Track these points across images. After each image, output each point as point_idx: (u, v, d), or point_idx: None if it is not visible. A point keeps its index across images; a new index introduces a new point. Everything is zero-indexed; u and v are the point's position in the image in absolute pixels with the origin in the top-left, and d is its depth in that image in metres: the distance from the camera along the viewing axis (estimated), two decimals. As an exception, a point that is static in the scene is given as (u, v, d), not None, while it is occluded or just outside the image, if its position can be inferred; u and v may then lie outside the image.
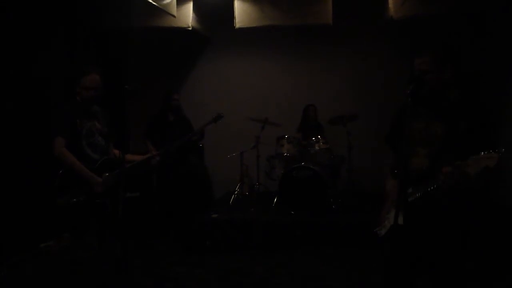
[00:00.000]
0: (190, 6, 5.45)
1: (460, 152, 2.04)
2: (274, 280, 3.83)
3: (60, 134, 3.16)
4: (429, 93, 2.22)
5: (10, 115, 4.32)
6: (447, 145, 2.15)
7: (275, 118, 5.78)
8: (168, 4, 4.99)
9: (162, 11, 5.04)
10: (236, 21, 5.40)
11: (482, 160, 1.91)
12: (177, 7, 5.20)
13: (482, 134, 2.15)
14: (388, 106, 3.77)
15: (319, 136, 5.50)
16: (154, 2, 4.68)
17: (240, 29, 5.44)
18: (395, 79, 4.41)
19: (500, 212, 4.62)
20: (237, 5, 5.38)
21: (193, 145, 5.48)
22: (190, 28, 5.50)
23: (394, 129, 2.52)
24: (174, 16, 5.23)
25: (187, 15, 5.46)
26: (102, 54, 5.56)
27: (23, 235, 4.23)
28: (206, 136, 5.40)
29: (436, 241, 2.19)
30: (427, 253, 2.22)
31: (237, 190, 5.85)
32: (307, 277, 3.88)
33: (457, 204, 2.15)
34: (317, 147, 5.42)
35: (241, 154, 5.93)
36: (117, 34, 5.83)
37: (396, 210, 2.04)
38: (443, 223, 2.17)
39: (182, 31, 5.56)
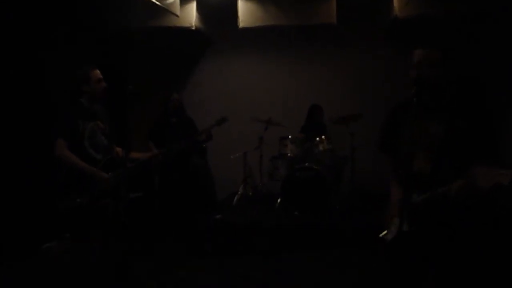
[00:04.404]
0: (193, 5, 5.44)
1: (461, 155, 2.00)
2: (276, 284, 3.78)
3: (61, 136, 3.13)
4: (430, 93, 2.17)
5: (12, 116, 4.31)
6: (447, 147, 2.10)
7: (278, 118, 5.75)
8: (172, 3, 4.97)
9: (165, 11, 5.03)
10: (240, 20, 5.39)
11: (495, 176, 1.84)
12: (180, 6, 5.19)
13: (483, 136, 2.09)
14: (392, 106, 3.72)
15: (322, 137, 5.45)
16: (157, 1, 4.67)
17: (244, 28, 5.43)
18: (399, 79, 4.37)
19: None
20: (241, 5, 5.36)
21: (197, 146, 5.44)
22: (193, 28, 5.48)
23: (388, 134, 2.47)
24: (177, 16, 5.22)
25: (191, 15, 5.45)
26: (103, 54, 5.54)
27: (25, 236, 4.22)
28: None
29: (442, 246, 2.14)
30: (433, 258, 2.18)
31: (240, 191, 5.82)
32: (310, 280, 3.83)
33: (465, 212, 2.09)
34: (320, 148, 5.37)
35: (245, 155, 5.91)
36: (119, 34, 5.81)
37: (401, 216, 2.00)
38: (450, 229, 2.12)
39: (185, 31, 5.54)
